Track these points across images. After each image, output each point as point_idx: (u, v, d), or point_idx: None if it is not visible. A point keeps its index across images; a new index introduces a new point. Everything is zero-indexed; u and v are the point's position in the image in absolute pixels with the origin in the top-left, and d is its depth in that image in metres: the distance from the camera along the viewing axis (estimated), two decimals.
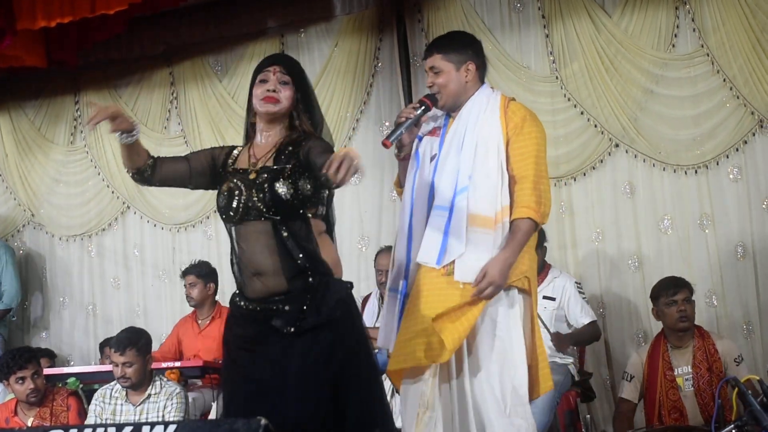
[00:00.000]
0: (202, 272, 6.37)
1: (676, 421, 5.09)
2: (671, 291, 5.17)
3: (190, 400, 5.69)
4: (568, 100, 6.24)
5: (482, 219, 3.59)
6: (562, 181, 6.22)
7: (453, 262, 3.58)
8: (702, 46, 5.97)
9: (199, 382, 6.01)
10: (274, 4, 6.93)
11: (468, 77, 3.77)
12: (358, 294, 6.37)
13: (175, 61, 7.33)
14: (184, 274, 6.41)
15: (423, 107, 3.77)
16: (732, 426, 3.70)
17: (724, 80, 5.90)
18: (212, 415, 5.37)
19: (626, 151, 6.12)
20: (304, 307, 3.20)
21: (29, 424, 5.45)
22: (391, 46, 6.74)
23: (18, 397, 5.54)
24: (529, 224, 3.59)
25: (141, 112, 7.40)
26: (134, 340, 5.26)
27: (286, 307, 3.22)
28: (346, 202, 6.79)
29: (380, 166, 6.53)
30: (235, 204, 3.31)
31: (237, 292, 3.37)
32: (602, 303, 6.10)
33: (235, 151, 3.47)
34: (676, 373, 5.16)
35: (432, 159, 3.77)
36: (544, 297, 5.32)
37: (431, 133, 3.85)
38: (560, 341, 5.21)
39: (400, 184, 3.95)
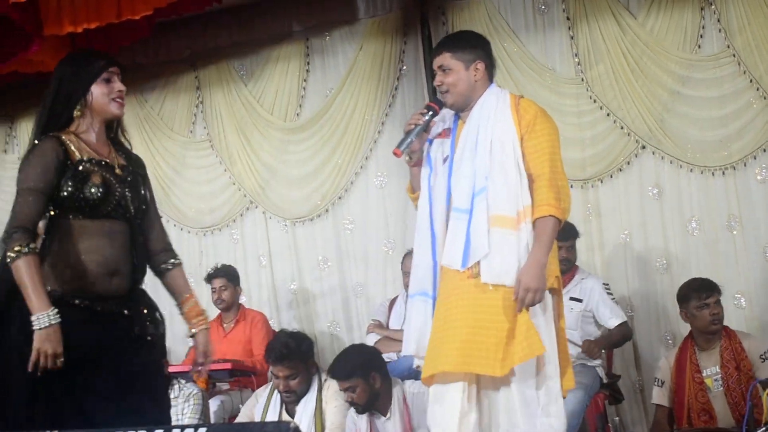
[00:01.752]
0: (232, 275, 6.39)
1: (705, 423, 5.04)
2: (703, 294, 5.12)
3: (218, 403, 5.71)
4: (594, 101, 6.21)
5: (504, 219, 3.57)
6: (588, 183, 6.20)
7: (478, 263, 3.57)
8: (728, 47, 5.94)
9: (226, 385, 6.03)
10: (299, 8, 6.92)
11: (477, 76, 3.75)
12: (384, 296, 6.43)
13: (200, 65, 7.34)
14: (213, 277, 6.40)
15: (430, 112, 3.77)
16: (764, 428, 3.69)
17: (751, 81, 5.86)
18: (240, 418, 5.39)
19: (653, 153, 6.09)
20: (146, 314, 3.28)
21: None
22: (415, 49, 6.73)
23: None
24: (552, 222, 3.57)
25: (167, 117, 7.42)
26: None
27: (125, 311, 3.22)
28: (371, 205, 6.81)
29: (405, 168, 6.46)
30: (110, 198, 3.22)
31: (58, 291, 3.09)
32: (630, 304, 6.08)
33: (65, 138, 3.23)
34: (704, 374, 5.13)
35: (445, 161, 3.77)
36: (571, 298, 5.29)
37: (441, 135, 3.84)
38: (590, 348, 5.19)
39: (412, 190, 3.96)
